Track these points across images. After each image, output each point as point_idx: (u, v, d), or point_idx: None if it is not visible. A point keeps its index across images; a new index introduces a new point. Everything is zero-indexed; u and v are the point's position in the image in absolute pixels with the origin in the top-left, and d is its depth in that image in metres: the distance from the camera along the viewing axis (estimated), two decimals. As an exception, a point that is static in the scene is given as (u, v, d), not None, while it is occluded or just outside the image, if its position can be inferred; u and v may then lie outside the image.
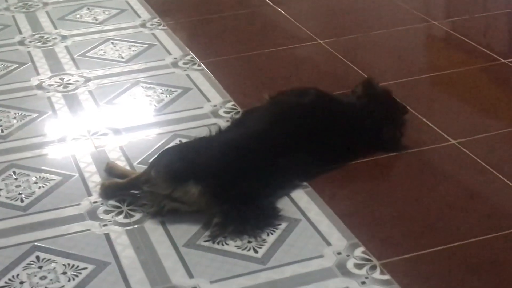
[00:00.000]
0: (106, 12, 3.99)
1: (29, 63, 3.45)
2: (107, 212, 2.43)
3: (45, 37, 3.71)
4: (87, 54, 3.53)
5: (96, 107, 3.08)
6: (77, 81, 3.29)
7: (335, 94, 2.89)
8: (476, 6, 4.06)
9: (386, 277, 2.13)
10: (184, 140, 2.78)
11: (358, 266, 2.17)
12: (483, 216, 2.38)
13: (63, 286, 2.14)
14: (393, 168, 2.70)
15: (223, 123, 2.87)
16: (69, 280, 2.15)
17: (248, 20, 3.93)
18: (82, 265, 2.21)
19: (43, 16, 3.97)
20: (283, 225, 2.35)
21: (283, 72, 3.36)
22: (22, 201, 2.50)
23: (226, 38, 3.72)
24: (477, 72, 3.32)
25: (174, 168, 2.39)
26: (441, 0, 4.39)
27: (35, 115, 3.02)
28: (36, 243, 2.30)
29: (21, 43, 3.66)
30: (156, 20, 3.88)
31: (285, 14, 3.93)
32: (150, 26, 3.81)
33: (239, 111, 2.97)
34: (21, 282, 2.15)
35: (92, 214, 2.42)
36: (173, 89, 3.19)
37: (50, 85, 3.25)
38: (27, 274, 2.18)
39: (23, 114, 3.03)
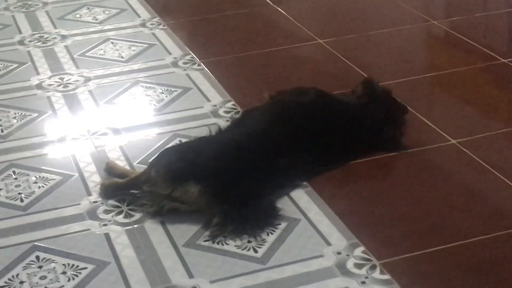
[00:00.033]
0: (106, 12, 3.99)
1: (29, 63, 3.45)
2: (107, 212, 2.43)
3: (45, 37, 3.71)
4: (87, 54, 3.53)
5: (96, 106, 3.08)
6: (77, 80, 3.28)
7: (335, 93, 2.89)
8: (476, 6, 4.06)
9: (386, 276, 2.13)
10: (184, 140, 2.78)
11: (358, 266, 2.17)
12: (483, 216, 2.38)
13: (63, 286, 2.14)
14: (393, 168, 2.70)
15: (223, 123, 2.86)
16: (68, 280, 2.15)
17: (248, 20, 3.92)
18: (82, 265, 2.21)
19: (42, 15, 3.97)
20: (283, 225, 2.35)
21: (283, 72, 3.35)
22: (22, 200, 2.50)
23: (226, 37, 3.71)
24: (477, 72, 3.32)
25: (174, 168, 2.39)
26: (441, -1, 4.40)
27: (35, 114, 3.02)
28: (36, 243, 2.30)
29: (21, 42, 3.66)
30: (156, 19, 3.88)
31: (285, 13, 3.93)
32: (150, 26, 3.81)
33: (239, 111, 2.97)
34: (21, 282, 2.15)
35: (92, 214, 2.42)
36: (173, 89, 3.18)
37: (50, 85, 3.25)
38: (27, 274, 2.18)
39: (23, 113, 3.03)
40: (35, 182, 2.59)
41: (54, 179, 2.61)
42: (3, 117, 3.01)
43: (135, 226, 2.37)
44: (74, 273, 2.18)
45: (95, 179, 2.59)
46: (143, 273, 2.17)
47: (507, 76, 3.30)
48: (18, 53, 3.56)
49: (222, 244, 2.27)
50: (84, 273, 2.18)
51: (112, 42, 3.63)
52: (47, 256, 2.25)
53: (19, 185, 2.58)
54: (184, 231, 2.33)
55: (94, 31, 3.77)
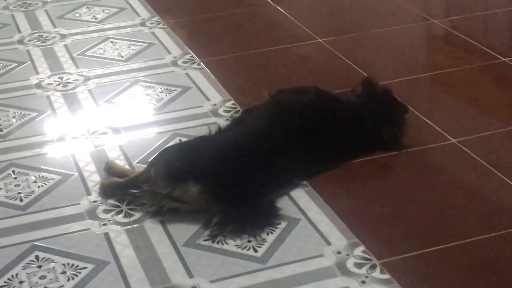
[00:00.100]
0: (106, 11, 3.99)
1: (28, 62, 3.45)
2: (106, 211, 2.43)
3: (44, 36, 3.71)
4: (87, 53, 3.53)
5: (96, 106, 3.08)
6: (77, 80, 3.28)
7: (335, 93, 2.88)
8: (476, 5, 4.06)
9: (386, 276, 2.13)
10: (183, 139, 2.78)
11: (358, 266, 2.17)
12: (483, 215, 2.38)
13: (63, 285, 2.13)
14: (393, 167, 2.70)
15: (223, 122, 2.86)
16: (68, 280, 2.15)
17: (248, 19, 3.92)
18: (81, 264, 2.21)
19: (42, 15, 3.97)
20: (283, 225, 2.35)
21: (283, 71, 3.35)
22: (21, 200, 2.50)
23: (226, 37, 3.71)
24: (477, 71, 3.32)
25: (174, 167, 2.38)
26: (441, -2, 4.40)
27: (34, 114, 3.02)
28: (35, 243, 2.30)
29: (20, 42, 3.66)
30: (155, 18, 3.88)
31: (285, 13, 3.92)
32: (150, 25, 3.81)
33: (238, 110, 2.97)
34: (21, 282, 2.15)
35: (91, 214, 2.42)
36: (172, 88, 3.18)
37: (50, 84, 3.25)
38: (27, 273, 2.18)
39: (22, 113, 3.03)
40: (35, 182, 2.59)
41: (53, 178, 2.60)
42: (3, 116, 3.01)
43: (135, 225, 2.36)
44: (74, 272, 2.18)
45: (94, 179, 2.59)
46: (143, 272, 2.17)
47: (508, 75, 3.30)
48: (18, 52, 3.56)
49: (222, 244, 2.27)
50: (83, 272, 2.18)
51: (111, 41, 3.63)
52: (47, 255, 2.25)
53: (19, 185, 2.57)
54: (184, 230, 2.33)
55: (93, 30, 3.77)
